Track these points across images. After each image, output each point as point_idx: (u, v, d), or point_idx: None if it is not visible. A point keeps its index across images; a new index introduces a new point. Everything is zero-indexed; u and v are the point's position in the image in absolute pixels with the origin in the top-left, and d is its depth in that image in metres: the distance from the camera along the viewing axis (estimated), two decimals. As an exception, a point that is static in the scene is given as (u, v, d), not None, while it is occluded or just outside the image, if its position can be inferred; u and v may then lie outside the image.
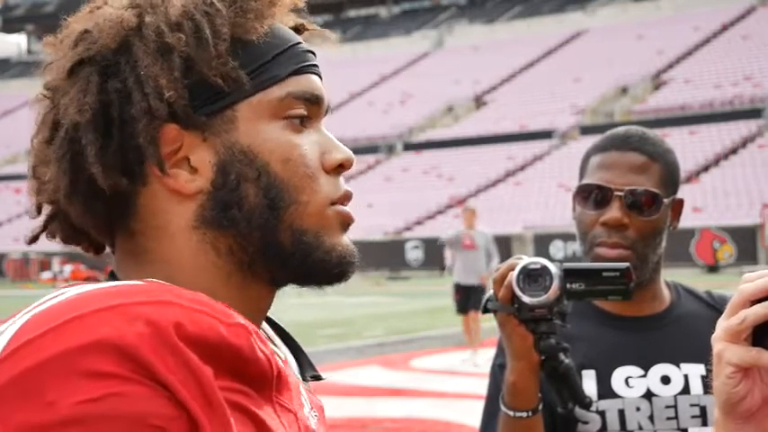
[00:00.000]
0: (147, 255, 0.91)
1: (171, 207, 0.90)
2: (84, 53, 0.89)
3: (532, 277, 1.60)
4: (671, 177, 1.86)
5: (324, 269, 0.93)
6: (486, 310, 1.67)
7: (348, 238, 0.95)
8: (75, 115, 0.87)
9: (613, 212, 1.80)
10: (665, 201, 1.84)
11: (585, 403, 1.67)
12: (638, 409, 1.82)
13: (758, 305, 0.97)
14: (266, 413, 0.81)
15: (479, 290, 11.96)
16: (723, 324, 0.99)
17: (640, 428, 1.81)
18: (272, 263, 0.92)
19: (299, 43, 0.96)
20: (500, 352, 1.84)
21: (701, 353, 1.80)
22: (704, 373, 1.83)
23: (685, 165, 30.83)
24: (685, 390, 1.83)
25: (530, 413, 1.67)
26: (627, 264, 1.66)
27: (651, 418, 1.82)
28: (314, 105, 0.94)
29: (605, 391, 1.82)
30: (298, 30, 0.98)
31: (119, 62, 0.88)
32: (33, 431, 0.71)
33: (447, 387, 10.32)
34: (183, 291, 0.80)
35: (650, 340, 1.88)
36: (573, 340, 1.75)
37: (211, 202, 0.90)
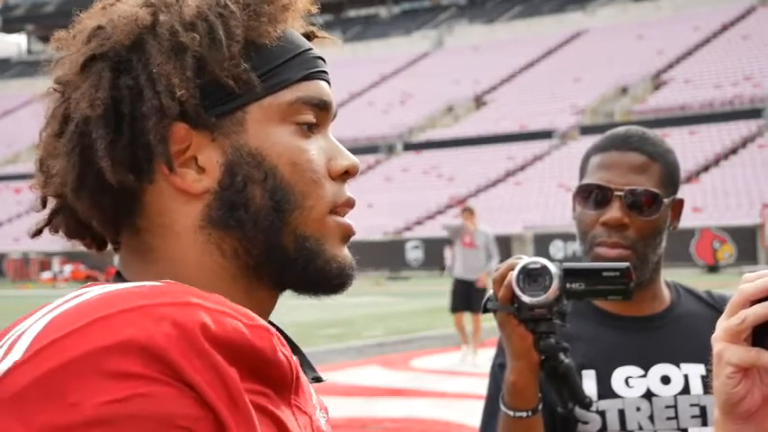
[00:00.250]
0: (153, 253, 0.91)
1: (177, 206, 0.90)
2: (97, 49, 0.89)
3: (532, 277, 1.60)
4: (671, 177, 1.86)
5: (324, 278, 0.94)
6: (485, 310, 1.67)
7: (347, 251, 0.96)
8: (87, 109, 0.87)
9: (613, 212, 1.80)
10: (666, 201, 1.84)
11: (585, 403, 1.67)
12: (638, 409, 1.82)
13: (758, 305, 0.97)
14: (285, 415, 0.81)
15: (479, 290, 11.92)
16: (723, 324, 0.99)
17: (640, 428, 1.81)
18: (276, 267, 0.92)
19: (310, 49, 0.96)
20: (500, 352, 1.84)
21: (702, 353, 1.80)
22: (704, 373, 1.83)
23: (685, 165, 30.84)
24: (685, 390, 1.83)
25: (529, 413, 1.67)
26: (627, 264, 1.66)
27: (651, 418, 1.82)
28: (322, 111, 0.95)
29: (605, 391, 1.82)
30: (308, 36, 0.98)
31: (131, 59, 0.89)
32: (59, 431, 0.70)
33: (447, 387, 10.32)
34: (202, 292, 0.80)
35: (650, 340, 1.88)
36: (573, 340, 1.75)
37: (218, 202, 0.90)
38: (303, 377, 0.89)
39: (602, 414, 1.81)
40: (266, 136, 0.91)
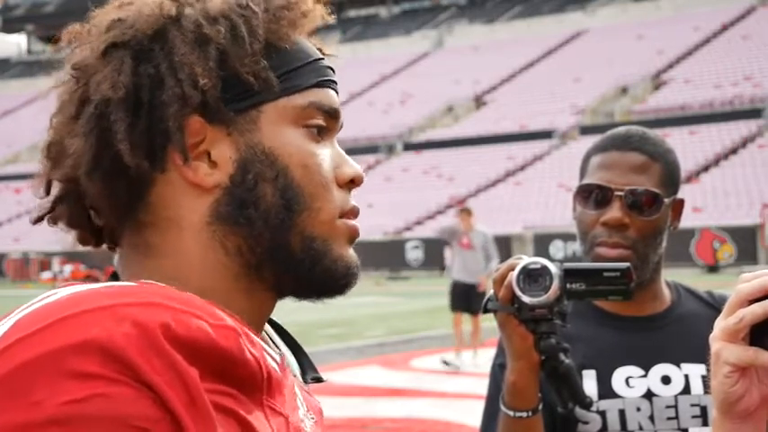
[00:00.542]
0: (155, 249, 0.91)
1: (185, 200, 0.90)
2: (119, 37, 0.90)
3: (533, 277, 1.60)
4: (671, 177, 1.86)
5: (330, 278, 0.94)
6: (486, 310, 1.67)
7: (353, 251, 0.96)
8: (109, 91, 0.88)
9: (614, 212, 1.80)
10: (666, 201, 1.84)
11: (586, 403, 1.67)
12: (638, 409, 1.82)
13: (755, 305, 0.97)
14: (254, 417, 0.80)
15: (478, 292, 11.82)
16: (721, 323, 1.00)
17: (641, 428, 1.81)
18: (280, 267, 0.92)
19: (322, 58, 0.98)
20: (500, 352, 1.84)
21: (702, 353, 1.80)
22: (705, 373, 1.83)
23: (685, 165, 30.83)
24: (686, 390, 1.83)
25: (530, 413, 1.67)
26: (627, 264, 1.66)
27: (652, 418, 1.82)
28: (331, 118, 0.97)
29: (606, 391, 1.82)
30: (324, 20, 1.00)
31: (153, 49, 0.90)
32: (18, 430, 0.71)
33: (447, 387, 10.33)
34: (174, 292, 0.80)
35: (651, 340, 1.88)
36: (573, 340, 1.75)
37: (228, 197, 0.90)
38: (289, 378, 0.89)
39: (602, 414, 1.81)
40: (279, 136, 0.92)
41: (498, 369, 1.84)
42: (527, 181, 37.36)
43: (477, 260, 12.09)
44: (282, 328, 1.03)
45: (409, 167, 41.65)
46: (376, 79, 52.67)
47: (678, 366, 1.86)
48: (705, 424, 1.81)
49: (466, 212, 12.65)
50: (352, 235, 0.96)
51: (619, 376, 1.84)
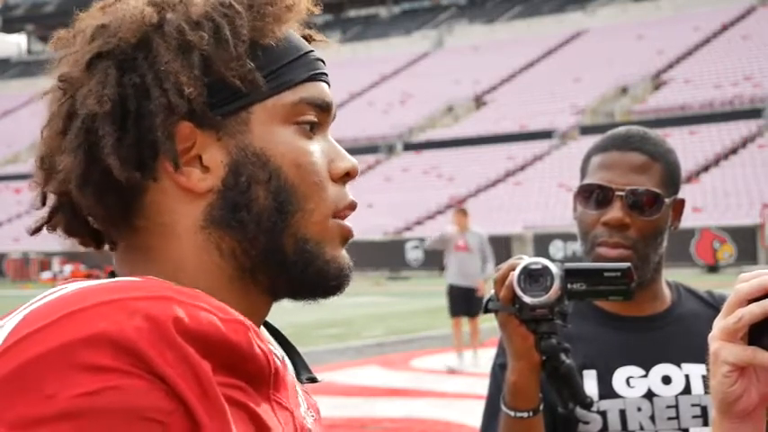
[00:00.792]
0: (151, 253, 0.91)
1: (179, 205, 0.90)
2: (103, 47, 0.89)
3: (533, 277, 1.60)
4: (672, 177, 1.86)
5: (322, 279, 0.94)
6: (487, 311, 1.67)
7: (345, 252, 0.96)
8: (95, 106, 0.87)
9: (615, 212, 1.80)
10: (667, 201, 1.84)
11: (586, 403, 1.67)
12: (639, 409, 1.82)
13: (754, 304, 0.97)
14: (263, 409, 0.81)
15: (474, 294, 11.70)
16: (719, 323, 1.00)
17: (641, 429, 1.81)
18: (274, 269, 0.92)
19: (312, 51, 0.97)
20: (501, 352, 1.84)
21: (703, 353, 1.79)
22: (705, 372, 1.83)
23: (685, 165, 30.81)
24: (686, 390, 1.83)
25: (530, 413, 1.67)
26: (628, 264, 1.66)
27: (652, 418, 1.82)
28: (324, 112, 0.96)
29: (606, 391, 1.82)
30: (306, 39, 0.99)
31: (136, 58, 0.89)
32: (31, 424, 0.71)
33: (447, 387, 10.32)
34: (181, 287, 0.80)
35: (651, 340, 1.87)
36: (574, 340, 1.75)
37: (221, 201, 0.90)
38: (290, 375, 0.90)
39: (603, 414, 1.81)
40: (270, 136, 0.91)
41: (499, 369, 1.84)
42: (527, 181, 37.36)
43: (473, 262, 11.91)
44: (276, 329, 1.03)
45: (409, 167, 41.65)
46: (376, 79, 52.67)
47: (679, 366, 1.85)
48: (706, 424, 1.81)
49: (461, 213, 12.47)
50: (345, 236, 0.96)
51: (619, 376, 1.84)
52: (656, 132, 1.91)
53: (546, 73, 47.15)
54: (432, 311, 17.84)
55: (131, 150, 0.88)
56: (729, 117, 37.80)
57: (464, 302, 11.84)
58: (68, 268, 34.01)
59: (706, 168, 34.69)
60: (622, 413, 1.81)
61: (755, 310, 0.97)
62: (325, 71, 0.98)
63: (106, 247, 0.97)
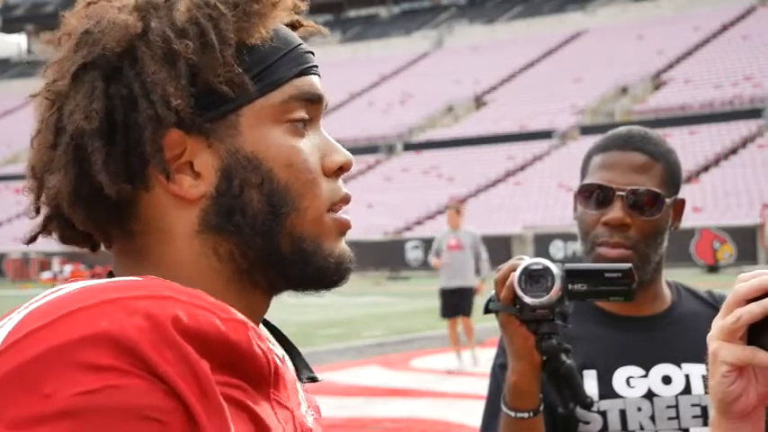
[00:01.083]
0: (147, 256, 0.91)
1: (173, 211, 0.90)
2: (88, 56, 0.88)
3: (534, 278, 1.60)
4: (672, 177, 1.86)
5: (323, 275, 0.94)
6: (487, 311, 1.67)
7: (345, 243, 0.96)
8: (83, 122, 0.87)
9: (615, 212, 1.80)
10: (667, 201, 1.84)
11: (587, 403, 1.67)
12: (639, 409, 1.82)
13: (753, 304, 0.97)
14: (262, 408, 0.81)
15: (468, 292, 11.58)
16: (718, 323, 1.00)
17: (642, 428, 1.81)
18: (272, 270, 0.92)
19: (300, 44, 0.96)
20: (501, 352, 1.84)
21: (703, 353, 1.80)
22: (705, 372, 1.82)
23: (685, 165, 30.63)
24: (686, 390, 1.83)
25: (531, 414, 1.67)
26: (629, 264, 1.65)
27: (652, 418, 1.82)
28: (314, 105, 0.95)
29: (606, 391, 1.82)
30: (294, 26, 0.98)
31: (122, 67, 0.88)
32: (30, 423, 0.71)
33: (447, 387, 10.32)
34: (180, 287, 0.81)
35: (651, 340, 1.87)
36: (574, 340, 1.75)
37: (215, 206, 0.90)
38: (290, 374, 0.90)
39: (603, 414, 1.81)
40: (261, 138, 0.91)
41: (499, 369, 1.84)
42: (527, 181, 37.36)
43: (466, 260, 11.71)
44: (276, 328, 1.03)
45: (409, 167, 41.65)
46: (376, 79, 52.66)
47: (679, 366, 1.85)
48: (706, 424, 1.81)
49: (455, 211, 12.28)
50: (343, 228, 0.95)
51: (619, 376, 1.84)
52: (657, 132, 1.91)
53: (546, 73, 47.14)
54: (432, 311, 17.83)
55: (121, 163, 0.87)
56: (729, 117, 37.80)
57: (453, 304, 11.69)
58: (68, 268, 34.01)
59: (706, 168, 34.70)
60: (622, 413, 1.81)
61: (754, 309, 0.97)
62: (314, 63, 0.97)
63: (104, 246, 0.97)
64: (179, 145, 0.89)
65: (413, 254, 32.48)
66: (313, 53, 0.97)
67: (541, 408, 1.68)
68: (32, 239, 0.96)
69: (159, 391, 0.73)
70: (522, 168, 39.20)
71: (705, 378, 1.83)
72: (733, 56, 42.86)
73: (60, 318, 0.75)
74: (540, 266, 1.60)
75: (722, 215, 29.93)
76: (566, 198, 29.42)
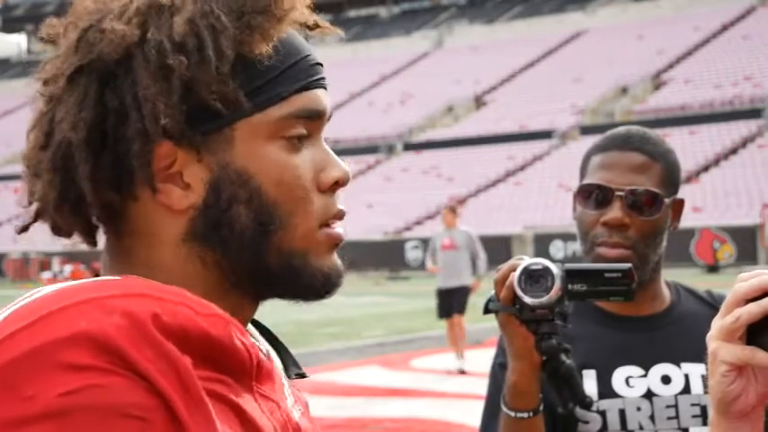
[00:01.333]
0: (135, 258, 0.90)
1: (161, 218, 0.89)
2: (84, 59, 0.87)
3: (534, 278, 1.60)
4: (671, 177, 1.86)
5: (310, 289, 0.93)
6: (487, 311, 1.67)
7: (336, 258, 0.94)
8: (69, 132, 0.86)
9: (614, 212, 1.80)
10: (666, 201, 1.84)
11: (586, 403, 1.67)
12: (638, 408, 1.82)
13: (752, 304, 0.98)
14: (245, 401, 0.82)
15: (461, 291, 11.55)
16: (718, 323, 1.00)
17: (641, 428, 1.81)
18: (259, 283, 0.91)
19: (308, 56, 0.93)
20: (500, 351, 1.84)
21: (702, 352, 1.80)
22: (705, 372, 1.83)
23: (685, 165, 30.81)
24: (686, 389, 1.83)
25: (531, 414, 1.67)
26: (629, 264, 1.65)
27: (652, 417, 1.82)
28: (315, 121, 0.93)
29: (606, 390, 1.82)
30: (309, 27, 0.95)
31: (118, 75, 0.86)
32: (13, 425, 0.71)
33: (447, 387, 10.33)
34: (160, 285, 0.81)
35: (651, 340, 1.88)
36: (573, 340, 1.75)
37: (202, 218, 0.89)
38: (277, 369, 0.90)
39: (602, 414, 1.81)
40: (254, 153, 0.89)
41: (498, 369, 1.84)
42: (527, 181, 37.36)
43: (460, 259, 11.64)
44: (264, 326, 1.03)
45: (409, 167, 41.65)
46: (376, 79, 52.65)
47: (678, 366, 1.86)
48: (705, 424, 1.81)
49: (450, 211, 12.21)
50: (334, 243, 0.94)
51: (619, 376, 1.84)
52: (656, 132, 1.91)
53: (546, 73, 47.14)
54: (432, 311, 17.80)
55: (109, 173, 0.87)
56: (729, 117, 37.80)
57: (448, 304, 11.65)
58: (68, 268, 33.98)
59: (706, 168, 34.69)
60: (622, 413, 1.81)
61: (754, 309, 0.97)
62: (320, 76, 0.94)
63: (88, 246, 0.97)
64: (169, 156, 0.87)
65: (413, 254, 32.47)
66: (321, 64, 0.95)
67: (541, 408, 1.68)
68: (24, 230, 0.96)
69: (140, 389, 0.73)
70: (522, 168, 39.19)
71: (704, 378, 1.83)
72: (733, 56, 42.85)
73: (39, 319, 0.75)
74: (539, 266, 1.60)
75: (722, 215, 29.93)
76: (566, 198, 29.40)
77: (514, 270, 1.61)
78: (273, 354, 0.99)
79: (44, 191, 0.89)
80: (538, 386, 1.66)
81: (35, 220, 0.94)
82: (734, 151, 35.71)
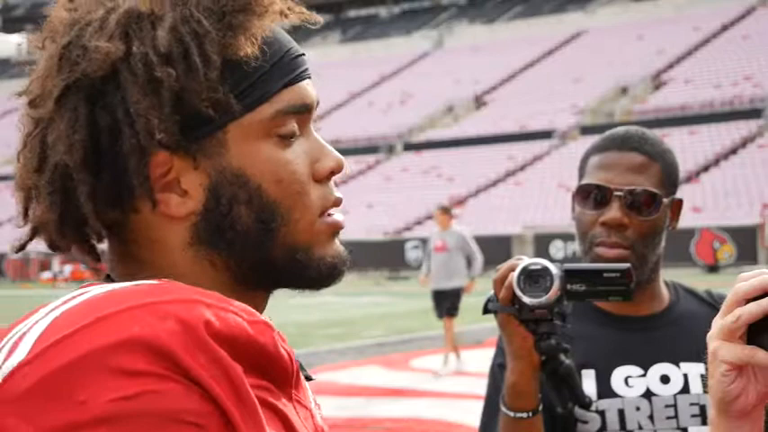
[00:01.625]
0: (144, 262, 0.90)
1: (164, 227, 0.89)
2: (70, 77, 0.87)
3: (533, 278, 1.60)
4: (670, 177, 1.86)
5: (317, 278, 0.94)
6: (486, 311, 1.67)
7: (339, 243, 0.95)
8: (65, 156, 0.86)
9: (613, 212, 1.81)
10: (665, 201, 1.84)
11: (585, 403, 1.67)
12: (637, 408, 1.82)
13: (752, 303, 0.98)
14: (288, 409, 0.82)
15: (453, 293, 11.49)
16: (718, 322, 1.00)
17: (640, 428, 1.81)
18: (267, 279, 0.93)
19: (290, 49, 0.93)
20: (499, 352, 1.84)
21: (701, 352, 1.80)
22: (704, 372, 1.83)
23: (685, 165, 30.85)
24: (685, 389, 1.84)
25: (530, 414, 1.67)
26: (627, 264, 1.66)
27: (651, 417, 1.82)
28: (304, 114, 0.93)
29: (605, 390, 1.83)
30: (286, 15, 0.94)
31: (106, 91, 0.86)
32: (65, 431, 0.71)
33: (447, 387, 10.32)
34: (203, 290, 0.81)
35: (650, 340, 1.88)
36: (572, 340, 1.75)
37: (205, 223, 0.89)
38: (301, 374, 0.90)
39: (601, 414, 1.81)
40: (248, 154, 0.89)
41: (498, 369, 1.84)
42: (527, 181, 37.36)
43: (453, 262, 11.56)
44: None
45: (409, 167, 41.65)
46: (376, 79, 52.65)
47: (677, 366, 1.86)
48: (704, 423, 1.82)
49: (442, 211, 12.10)
50: (335, 230, 0.95)
51: (618, 376, 1.84)
52: (655, 132, 1.92)
53: (546, 73, 47.14)
54: (431, 312, 17.85)
55: (107, 192, 0.87)
56: (729, 117, 37.81)
57: (444, 302, 11.63)
58: (68, 268, 34.01)
59: (706, 168, 34.69)
60: (621, 413, 1.81)
61: (754, 309, 0.98)
62: (304, 68, 0.94)
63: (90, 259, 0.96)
64: (165, 164, 0.88)
65: (413, 254, 32.47)
66: (304, 54, 0.95)
67: (540, 408, 1.69)
68: (21, 248, 0.96)
69: (196, 395, 0.73)
70: (522, 168, 39.19)
71: (704, 377, 1.83)
72: (733, 56, 42.86)
73: (91, 323, 0.74)
74: (538, 266, 1.60)
75: (722, 215, 29.93)
76: (566, 198, 29.37)
77: (513, 270, 1.61)
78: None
79: (43, 214, 0.89)
80: (537, 386, 1.67)
81: (31, 238, 0.94)
82: (734, 151, 35.71)
